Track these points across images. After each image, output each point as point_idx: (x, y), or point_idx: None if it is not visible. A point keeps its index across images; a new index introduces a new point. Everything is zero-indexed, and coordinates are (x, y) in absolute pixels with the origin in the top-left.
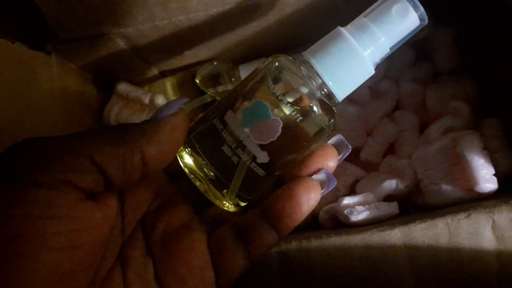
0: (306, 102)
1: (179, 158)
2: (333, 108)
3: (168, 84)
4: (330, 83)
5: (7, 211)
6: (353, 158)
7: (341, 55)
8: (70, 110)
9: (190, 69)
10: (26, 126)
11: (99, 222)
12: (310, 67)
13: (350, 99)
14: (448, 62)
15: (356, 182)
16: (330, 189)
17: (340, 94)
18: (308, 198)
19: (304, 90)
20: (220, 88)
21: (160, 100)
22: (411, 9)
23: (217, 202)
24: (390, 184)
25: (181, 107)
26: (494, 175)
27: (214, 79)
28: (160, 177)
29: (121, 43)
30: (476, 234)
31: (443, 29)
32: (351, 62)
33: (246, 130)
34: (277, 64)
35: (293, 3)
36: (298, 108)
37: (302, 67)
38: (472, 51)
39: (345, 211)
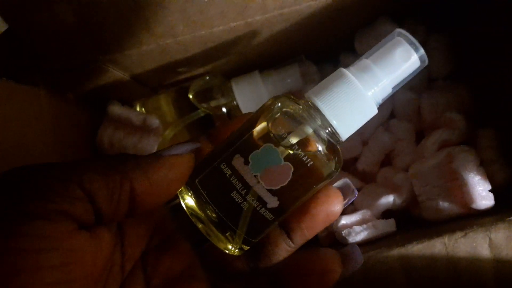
0: (311, 142)
1: (180, 198)
2: (338, 147)
3: (162, 100)
4: (335, 122)
5: (2, 245)
6: (350, 168)
7: (345, 95)
8: (62, 139)
9: (183, 85)
10: (19, 161)
11: (93, 254)
12: (313, 107)
13: None
14: (443, 68)
15: None
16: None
17: (345, 133)
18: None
19: (309, 130)
20: (213, 103)
21: (153, 121)
22: (413, 52)
23: (220, 245)
24: (388, 200)
25: (190, 151)
26: (491, 190)
27: (207, 94)
28: (159, 213)
29: (109, 68)
30: (474, 252)
31: (437, 35)
32: (355, 102)
33: (256, 175)
34: (279, 104)
35: (283, 21)
36: (304, 150)
37: (304, 107)
38: (467, 56)
39: (343, 233)
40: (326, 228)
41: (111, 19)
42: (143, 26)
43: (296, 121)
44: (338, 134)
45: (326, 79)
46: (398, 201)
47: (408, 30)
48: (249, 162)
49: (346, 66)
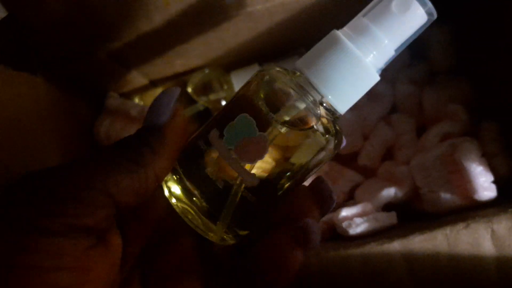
0: (303, 119)
1: (164, 187)
2: (336, 124)
3: None
4: (330, 97)
5: (11, 261)
6: (351, 163)
7: (339, 64)
8: (59, 128)
9: (181, 78)
10: (16, 149)
11: (108, 268)
12: (306, 79)
13: None
14: (445, 61)
15: (354, 187)
16: (332, 207)
17: (342, 107)
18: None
19: (301, 105)
20: (212, 96)
21: None
22: (414, 3)
23: (212, 236)
24: (389, 193)
25: (175, 103)
26: (493, 182)
27: (206, 87)
28: (159, 210)
29: (107, 57)
30: (476, 244)
31: (439, 28)
32: (351, 71)
33: (231, 149)
34: (268, 77)
35: (283, 11)
36: (294, 126)
37: (296, 79)
38: (468, 50)
39: (344, 224)
40: (326, 222)
41: (111, 8)
42: (142, 14)
43: (286, 96)
44: (334, 109)
45: (318, 44)
46: (400, 194)
47: None
48: (223, 135)
49: None
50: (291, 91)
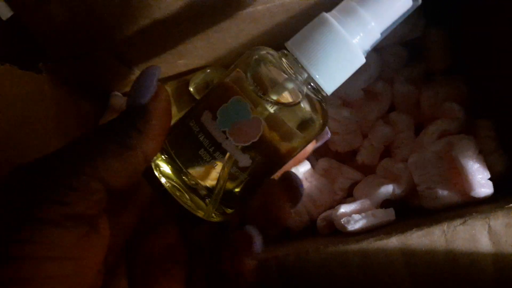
0: (292, 99)
1: (153, 167)
2: (322, 103)
3: None
4: (317, 77)
5: (4, 252)
6: (350, 161)
7: (327, 44)
8: (64, 127)
9: (184, 77)
10: (21, 147)
11: (101, 254)
12: (294, 60)
13: (344, 101)
14: (442, 61)
15: (353, 185)
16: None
17: (329, 87)
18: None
19: (289, 85)
20: None
21: None
22: None
23: (200, 213)
24: (387, 189)
25: (157, 82)
26: (490, 178)
27: (208, 87)
28: (144, 197)
29: (111, 57)
30: (473, 240)
31: (436, 29)
32: (338, 51)
33: (225, 131)
34: (256, 57)
35: (284, 12)
36: (283, 106)
37: (284, 60)
38: (465, 50)
39: (342, 220)
40: (325, 218)
41: (114, 8)
42: (145, 15)
43: (274, 76)
44: (321, 89)
45: (307, 26)
46: (398, 190)
47: (408, 24)
48: (217, 117)
49: None
50: (280, 71)
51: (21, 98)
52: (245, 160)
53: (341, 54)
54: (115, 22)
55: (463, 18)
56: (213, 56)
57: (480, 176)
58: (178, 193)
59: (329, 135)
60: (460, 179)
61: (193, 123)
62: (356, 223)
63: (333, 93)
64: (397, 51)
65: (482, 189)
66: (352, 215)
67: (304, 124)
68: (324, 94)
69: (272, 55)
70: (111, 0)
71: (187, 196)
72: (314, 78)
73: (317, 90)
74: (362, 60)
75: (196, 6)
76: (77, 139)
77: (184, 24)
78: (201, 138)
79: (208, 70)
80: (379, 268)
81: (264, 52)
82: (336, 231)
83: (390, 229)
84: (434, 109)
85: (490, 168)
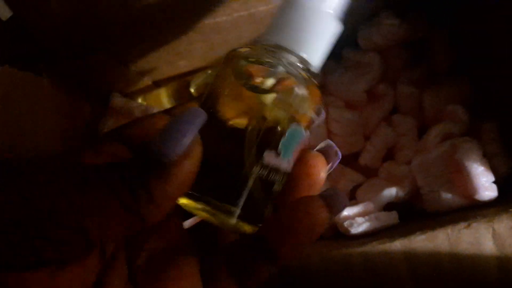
0: (285, 81)
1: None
2: (315, 79)
3: (163, 94)
4: (301, 53)
5: None
6: (352, 163)
7: (298, 18)
8: (64, 129)
9: (184, 78)
10: (20, 148)
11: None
12: (274, 45)
13: (346, 103)
14: (445, 62)
15: (356, 187)
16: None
17: (315, 60)
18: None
19: (278, 69)
20: None
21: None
22: None
23: (229, 225)
24: (390, 192)
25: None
26: (494, 181)
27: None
28: None
29: (111, 58)
30: (477, 243)
31: (439, 29)
32: (310, 21)
33: (288, 159)
34: (237, 57)
35: None
36: (282, 91)
37: (265, 48)
38: (468, 51)
39: (345, 223)
40: None
41: (115, 9)
42: (146, 16)
43: (262, 67)
44: (310, 64)
45: (278, 10)
46: (401, 193)
47: (410, 25)
48: (280, 152)
49: (348, 60)
50: (264, 60)
51: (21, 99)
52: (289, 167)
53: (314, 23)
54: (115, 22)
55: (463, 18)
56: (213, 57)
57: (484, 179)
58: (204, 214)
59: (339, 155)
60: (464, 182)
61: (256, 169)
62: (360, 226)
63: (336, 95)
64: (400, 52)
65: (486, 192)
66: (355, 218)
67: (302, 102)
68: (313, 69)
69: (252, 50)
70: (111, 0)
71: (212, 213)
72: (299, 55)
73: (306, 67)
74: (336, 24)
75: (197, 7)
76: (77, 175)
77: (185, 25)
78: (272, 177)
79: (209, 71)
80: (382, 272)
81: (243, 51)
82: (339, 234)
83: (393, 232)
84: (437, 111)
85: (494, 170)
